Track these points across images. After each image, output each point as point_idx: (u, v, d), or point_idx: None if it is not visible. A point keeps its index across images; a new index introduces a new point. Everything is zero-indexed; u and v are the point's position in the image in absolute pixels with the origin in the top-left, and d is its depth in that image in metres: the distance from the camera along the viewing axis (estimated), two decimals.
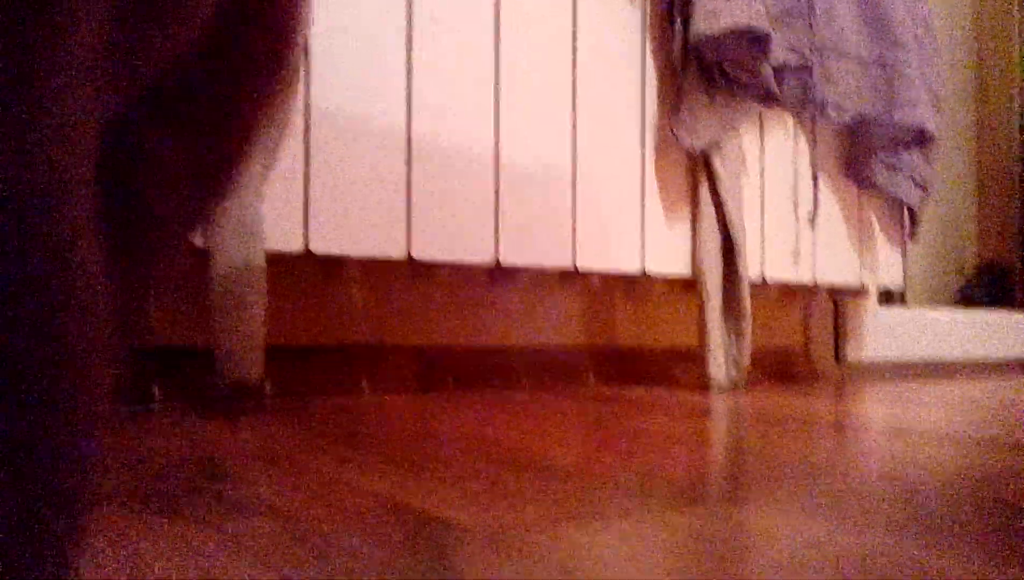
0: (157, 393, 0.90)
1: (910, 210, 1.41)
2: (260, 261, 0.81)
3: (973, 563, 0.33)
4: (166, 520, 0.38)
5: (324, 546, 0.34)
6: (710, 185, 1.16)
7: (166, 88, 0.24)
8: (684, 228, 1.18)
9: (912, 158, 1.35)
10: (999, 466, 0.57)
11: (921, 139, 1.30)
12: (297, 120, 0.88)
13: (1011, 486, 0.49)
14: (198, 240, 0.82)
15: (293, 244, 0.87)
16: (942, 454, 0.61)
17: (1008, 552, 0.35)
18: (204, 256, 0.82)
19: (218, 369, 0.82)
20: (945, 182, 2.07)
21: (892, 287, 1.48)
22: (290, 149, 0.87)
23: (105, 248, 0.18)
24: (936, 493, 0.47)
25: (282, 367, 0.99)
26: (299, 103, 0.88)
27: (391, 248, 0.93)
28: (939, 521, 0.40)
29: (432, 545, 0.34)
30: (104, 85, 0.18)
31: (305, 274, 1.03)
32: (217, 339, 0.81)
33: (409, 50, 0.94)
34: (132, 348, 0.91)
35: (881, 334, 1.58)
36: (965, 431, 0.76)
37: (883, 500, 0.45)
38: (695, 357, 1.33)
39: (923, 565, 0.33)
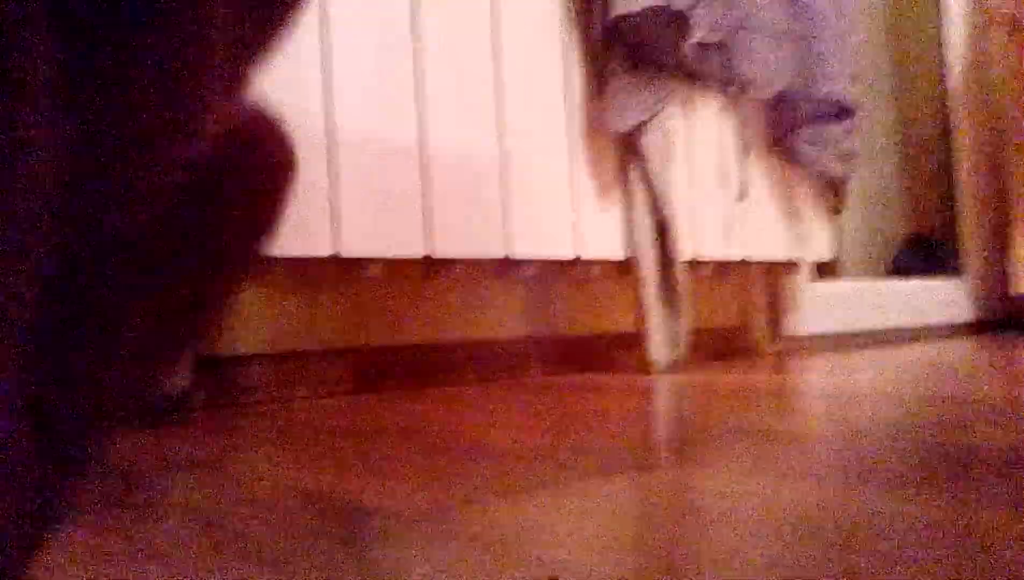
0: None
1: (835, 183, 1.43)
2: None
3: (919, 504, 0.32)
4: (76, 531, 0.35)
5: (239, 544, 0.32)
6: (640, 167, 1.16)
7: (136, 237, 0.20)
8: (617, 211, 1.18)
9: (834, 132, 1.38)
10: (933, 417, 0.57)
11: (841, 112, 1.32)
12: None
13: (946, 434, 0.50)
14: None
15: None
16: (879, 411, 0.62)
17: (949, 491, 0.34)
18: None
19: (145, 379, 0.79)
20: (870, 155, 2.12)
21: (823, 259, 1.50)
22: None
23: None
24: (876, 445, 0.47)
25: (213, 378, 0.95)
26: None
27: (319, 246, 0.91)
28: (882, 469, 0.40)
29: (352, 532, 0.32)
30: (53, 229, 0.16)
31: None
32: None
33: (324, 36, 0.92)
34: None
35: (817, 307, 1.60)
36: (900, 390, 0.76)
37: (826, 455, 0.45)
38: (636, 341, 1.33)
39: (872, 509, 0.32)
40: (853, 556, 0.26)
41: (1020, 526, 0.29)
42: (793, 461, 0.43)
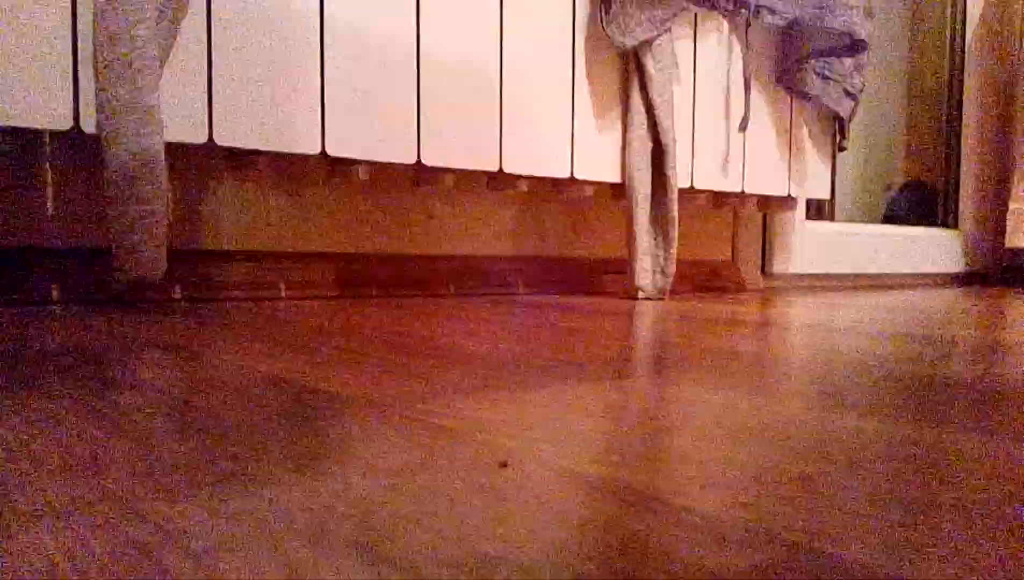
0: (56, 294, 0.85)
1: (840, 120, 1.41)
2: (159, 150, 0.76)
3: (888, 423, 0.32)
4: (32, 398, 0.35)
5: (205, 420, 0.32)
6: (641, 88, 1.13)
7: None
8: (615, 132, 1.16)
9: (844, 66, 1.34)
10: (910, 353, 0.57)
11: (853, 46, 1.29)
12: (198, 1, 0.81)
13: (919, 367, 0.49)
14: (90, 127, 0.76)
15: (197, 135, 0.82)
16: (857, 344, 0.61)
17: (919, 414, 0.34)
18: (97, 145, 0.76)
19: (116, 266, 0.78)
20: (875, 99, 2.08)
21: (820, 197, 1.49)
22: (192, 32, 0.81)
23: None
24: (848, 372, 0.46)
25: (195, 272, 0.94)
26: None
27: (304, 143, 0.88)
28: (850, 393, 0.39)
29: (315, 415, 0.32)
30: None
31: (217, 172, 0.98)
32: (114, 234, 0.77)
33: None
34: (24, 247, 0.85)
35: (808, 248, 1.60)
36: (880, 328, 0.76)
37: (796, 377, 0.44)
38: (623, 267, 1.32)
39: (834, 425, 0.32)
40: (810, 463, 0.26)
41: (983, 447, 0.28)
42: (762, 380, 0.43)
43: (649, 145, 1.15)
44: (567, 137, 1.10)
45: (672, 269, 1.17)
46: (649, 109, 1.14)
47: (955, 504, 0.22)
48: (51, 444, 0.27)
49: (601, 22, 1.08)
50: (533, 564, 0.17)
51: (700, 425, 0.31)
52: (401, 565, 0.17)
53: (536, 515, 0.20)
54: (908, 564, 0.17)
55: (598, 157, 1.14)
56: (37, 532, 0.18)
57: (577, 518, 0.20)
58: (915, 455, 0.27)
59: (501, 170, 1.04)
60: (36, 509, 0.20)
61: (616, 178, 1.16)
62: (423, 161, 0.97)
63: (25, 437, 0.28)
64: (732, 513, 0.21)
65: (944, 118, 2.05)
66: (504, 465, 0.25)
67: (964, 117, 1.97)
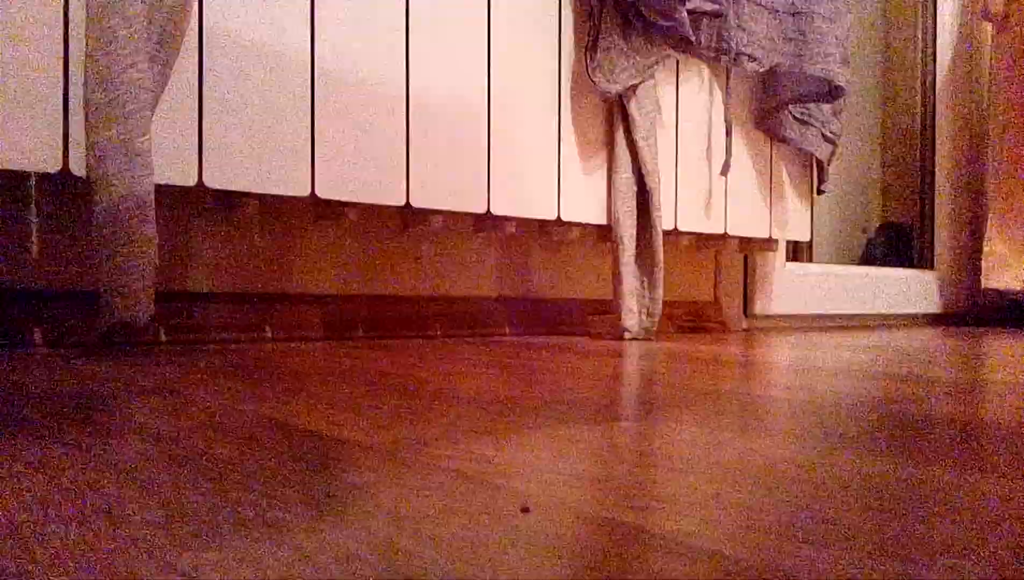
0: (38, 337, 0.84)
1: (819, 164, 1.43)
2: (149, 192, 0.76)
3: (868, 461, 0.32)
4: (27, 444, 0.34)
5: (202, 462, 0.31)
6: (626, 132, 1.15)
7: None
8: (600, 175, 1.17)
9: (822, 112, 1.37)
10: (891, 391, 0.57)
11: (831, 92, 1.32)
12: (190, 44, 0.82)
13: (901, 405, 0.50)
14: (79, 169, 0.75)
15: (187, 177, 0.82)
16: (839, 383, 0.62)
17: (899, 451, 0.34)
18: (85, 186, 0.76)
19: (103, 309, 0.77)
20: (852, 143, 2.13)
21: (800, 240, 1.51)
22: (183, 75, 0.81)
23: None
24: (833, 411, 0.47)
25: (179, 314, 0.93)
26: (192, 25, 0.82)
27: (293, 185, 0.89)
28: (837, 430, 0.40)
29: (324, 458, 0.32)
30: None
31: (204, 213, 0.97)
32: (102, 276, 0.76)
33: None
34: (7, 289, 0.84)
35: (788, 289, 1.61)
36: (861, 367, 0.77)
37: (786, 416, 0.44)
38: (609, 307, 1.33)
39: (823, 460, 0.32)
40: (798, 497, 0.26)
41: (965, 481, 0.28)
42: (753, 419, 0.43)
43: (634, 188, 1.16)
44: (554, 180, 1.11)
45: (658, 310, 1.17)
46: (634, 152, 1.15)
47: (927, 538, 0.22)
48: (58, 492, 0.26)
49: (587, 68, 1.10)
50: None
51: (698, 463, 0.31)
52: None
53: (569, 561, 0.20)
54: None
55: (584, 199, 1.15)
56: None
57: (615, 567, 0.20)
58: (904, 489, 0.27)
59: (489, 212, 1.05)
60: (56, 559, 0.20)
61: (602, 220, 1.17)
62: (412, 203, 0.97)
63: (28, 484, 0.27)
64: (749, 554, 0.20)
65: (918, 160, 2.09)
66: (526, 510, 0.25)
67: (937, 159, 2.02)
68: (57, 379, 0.57)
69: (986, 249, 1.87)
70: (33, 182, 0.87)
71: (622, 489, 0.27)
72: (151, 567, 0.19)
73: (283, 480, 0.28)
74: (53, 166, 0.75)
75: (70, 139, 0.75)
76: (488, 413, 0.44)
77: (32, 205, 0.87)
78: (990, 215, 1.88)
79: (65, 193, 0.89)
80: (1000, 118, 1.87)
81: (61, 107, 0.75)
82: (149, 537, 0.21)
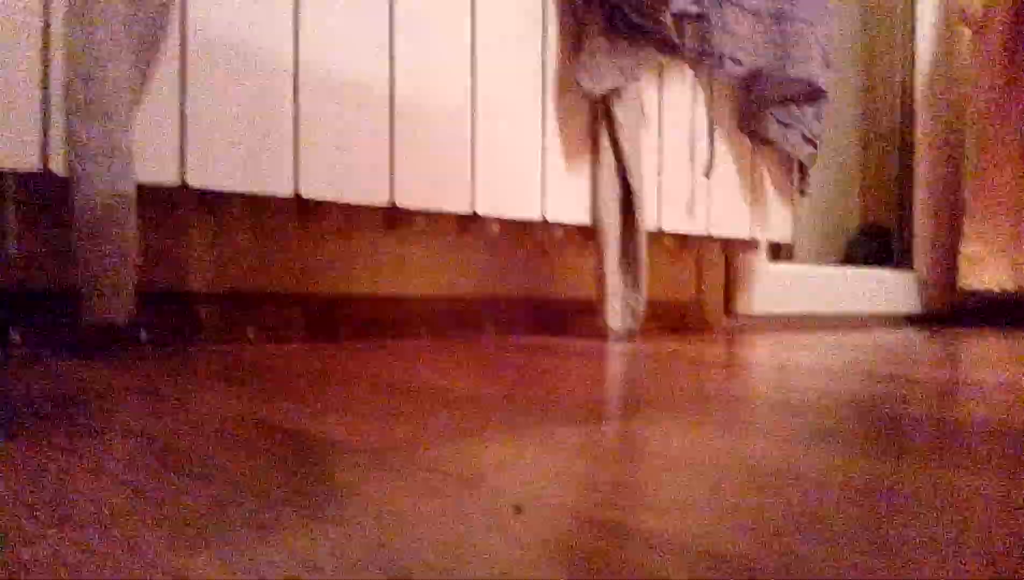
0: (17, 338, 0.83)
1: (800, 165, 1.44)
2: (130, 192, 0.75)
3: (850, 459, 0.33)
4: (16, 447, 0.34)
5: (192, 464, 0.31)
6: (610, 133, 1.15)
7: None
8: (584, 175, 1.17)
9: (803, 113, 1.38)
10: (871, 390, 0.58)
11: (812, 95, 1.33)
12: (172, 43, 0.81)
13: (881, 404, 0.50)
14: (60, 168, 0.75)
15: (169, 176, 0.81)
16: (820, 382, 0.62)
17: (879, 449, 0.35)
18: (65, 185, 0.75)
19: (83, 309, 0.76)
20: (832, 145, 2.14)
21: (782, 241, 1.52)
22: (165, 74, 0.81)
23: None
24: (814, 410, 0.47)
25: (161, 315, 0.93)
26: (175, 25, 0.81)
27: (277, 185, 0.88)
28: (820, 430, 0.40)
29: (314, 460, 0.32)
30: None
31: (185, 213, 0.97)
32: (82, 276, 0.75)
33: None
34: None
35: (770, 289, 1.62)
36: (841, 367, 0.78)
37: (767, 415, 0.45)
38: (592, 308, 1.33)
39: (804, 458, 0.32)
40: (782, 495, 0.26)
41: (946, 479, 0.29)
42: (737, 418, 0.43)
43: (618, 188, 1.16)
44: (538, 180, 1.12)
45: (642, 310, 1.18)
46: (618, 153, 1.16)
47: (910, 534, 0.22)
48: (49, 495, 0.26)
49: (571, 69, 1.10)
50: None
51: (683, 461, 0.31)
52: None
53: (565, 563, 0.20)
54: None
55: (568, 200, 1.15)
56: None
57: (602, 564, 0.20)
58: (875, 487, 0.28)
59: (474, 212, 1.05)
60: (47, 562, 0.19)
61: (586, 220, 1.18)
62: (396, 203, 0.97)
63: (18, 487, 0.27)
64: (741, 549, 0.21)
65: (897, 162, 2.12)
66: (519, 510, 0.25)
67: (916, 161, 2.04)
68: (38, 381, 0.56)
69: (963, 249, 1.90)
70: (11, 180, 0.86)
71: (609, 488, 0.28)
72: (144, 570, 0.19)
73: (276, 482, 0.28)
74: (33, 165, 0.74)
75: (50, 138, 0.75)
76: (480, 415, 0.44)
77: (10, 204, 0.86)
78: (967, 216, 1.90)
79: (45, 192, 0.88)
80: (977, 120, 1.89)
81: (41, 105, 0.74)
82: (143, 540, 0.21)
